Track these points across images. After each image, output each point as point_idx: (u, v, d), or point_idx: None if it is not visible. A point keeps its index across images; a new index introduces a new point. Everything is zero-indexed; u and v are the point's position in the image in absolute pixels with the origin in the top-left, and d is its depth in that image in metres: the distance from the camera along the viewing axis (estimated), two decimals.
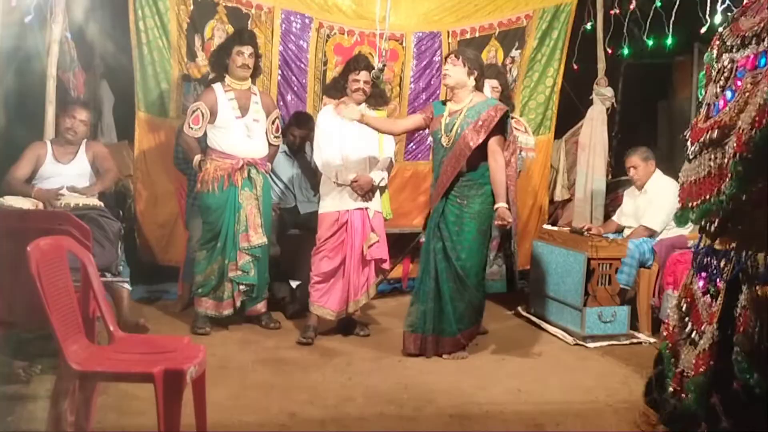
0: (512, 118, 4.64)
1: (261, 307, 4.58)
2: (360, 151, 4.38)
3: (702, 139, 2.41)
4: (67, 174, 4.34)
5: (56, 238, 2.63)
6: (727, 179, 2.19)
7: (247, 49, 4.40)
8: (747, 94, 2.16)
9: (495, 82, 4.63)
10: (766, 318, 2.03)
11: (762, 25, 2.25)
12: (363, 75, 4.34)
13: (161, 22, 4.97)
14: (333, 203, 4.38)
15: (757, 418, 2.06)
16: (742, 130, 2.10)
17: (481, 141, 3.93)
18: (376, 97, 4.51)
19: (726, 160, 2.21)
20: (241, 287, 4.43)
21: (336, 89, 4.49)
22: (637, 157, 5.03)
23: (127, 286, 4.09)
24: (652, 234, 4.88)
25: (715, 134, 2.30)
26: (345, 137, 4.36)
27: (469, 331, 4.12)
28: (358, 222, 4.36)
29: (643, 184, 5.03)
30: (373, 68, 4.38)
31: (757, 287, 2.08)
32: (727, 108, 2.30)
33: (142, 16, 4.91)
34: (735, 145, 2.15)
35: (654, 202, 4.91)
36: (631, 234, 4.92)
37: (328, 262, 4.36)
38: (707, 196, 2.33)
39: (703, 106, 2.58)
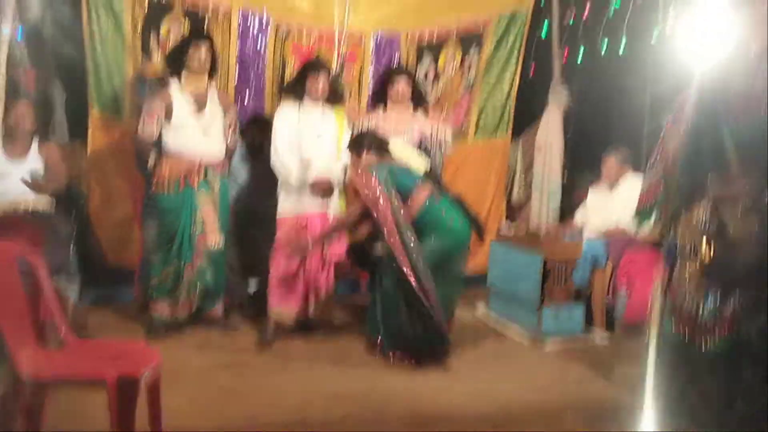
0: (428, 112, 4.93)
1: (218, 309, 4.53)
2: (318, 151, 4.36)
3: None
4: (17, 173, 4.23)
5: (5, 243, 2.56)
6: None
7: (205, 44, 4.35)
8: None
9: (404, 77, 4.75)
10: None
11: None
12: (322, 78, 4.34)
13: (116, 19, 4.86)
14: (291, 207, 4.36)
15: None
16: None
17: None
18: (334, 95, 4.51)
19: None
20: (198, 289, 4.38)
21: (293, 91, 4.47)
22: (614, 159, 5.11)
23: (72, 295, 3.98)
24: (626, 235, 4.94)
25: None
26: (303, 138, 4.34)
27: None
28: (318, 225, 4.34)
29: (615, 183, 5.11)
30: (330, 70, 4.40)
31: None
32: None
33: (96, 14, 4.80)
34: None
35: (627, 202, 4.96)
36: (608, 233, 4.97)
37: (286, 265, 4.33)
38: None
39: None
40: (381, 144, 4.24)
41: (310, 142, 4.36)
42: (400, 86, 4.72)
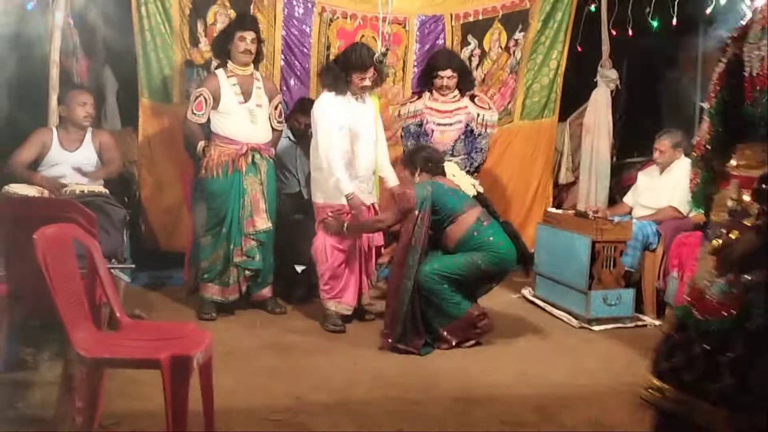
0: (475, 96, 4.89)
1: (266, 292, 4.60)
2: (362, 143, 4.34)
3: None
4: (73, 161, 4.35)
5: (62, 225, 2.64)
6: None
7: (249, 35, 4.38)
8: None
9: (448, 72, 4.73)
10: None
11: None
12: (369, 73, 4.27)
13: (163, 7, 4.95)
14: (330, 194, 4.28)
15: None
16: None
17: None
18: (376, 82, 4.46)
19: None
20: (247, 272, 4.45)
21: (338, 83, 4.29)
22: (668, 142, 4.96)
23: (124, 277, 4.08)
24: (679, 216, 4.84)
25: None
26: (347, 130, 4.28)
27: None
28: (365, 215, 4.31)
29: (666, 166, 5.00)
30: (376, 53, 4.35)
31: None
32: None
33: (144, 2, 4.89)
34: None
35: (681, 185, 4.86)
36: (657, 214, 4.88)
37: (339, 256, 4.28)
38: None
39: None
40: (436, 164, 4.21)
41: (352, 134, 4.30)
42: (445, 81, 4.74)
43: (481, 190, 4.27)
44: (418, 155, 4.24)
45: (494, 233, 4.00)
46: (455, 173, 4.29)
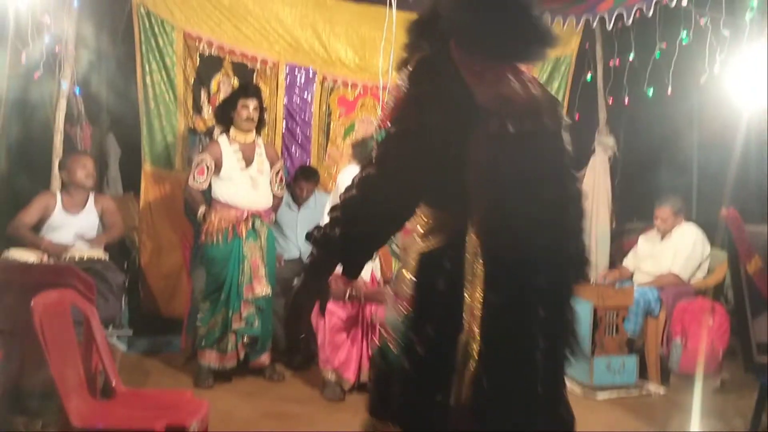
0: None
1: (265, 359, 4.53)
2: None
3: None
4: (75, 225, 4.37)
5: (60, 291, 2.63)
6: None
7: (252, 102, 4.46)
8: None
9: None
10: None
11: None
12: None
13: (168, 76, 5.06)
14: None
15: None
16: None
17: None
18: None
19: None
20: (245, 339, 4.40)
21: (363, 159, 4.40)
22: (669, 209, 4.98)
23: (121, 346, 4.03)
24: (679, 283, 4.83)
25: None
26: None
27: None
28: (367, 286, 4.26)
29: (668, 232, 5.01)
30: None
31: None
32: None
33: (149, 71, 5.01)
34: None
35: (682, 251, 4.86)
36: (658, 280, 4.87)
37: (337, 323, 4.19)
38: None
39: None
40: None
41: None
42: None
43: None
44: None
45: None
46: None
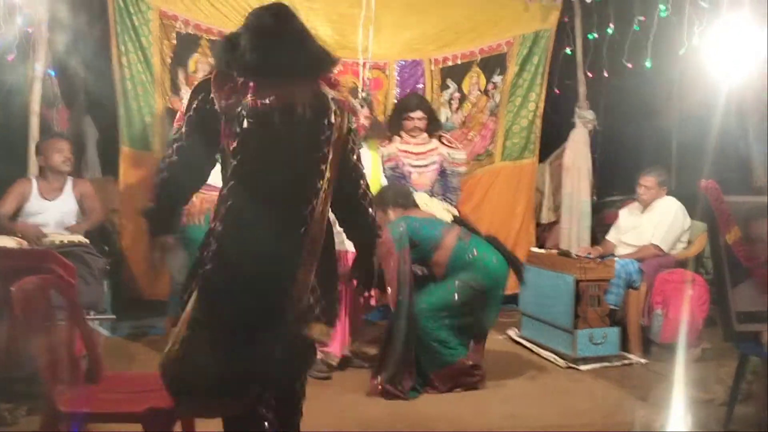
0: (442, 136, 4.95)
1: None
2: None
3: None
4: (53, 211, 4.32)
5: (40, 277, 2.59)
6: None
7: None
8: None
9: (419, 113, 4.78)
10: None
11: None
12: (363, 112, 4.34)
13: (144, 56, 4.98)
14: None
15: None
16: None
17: None
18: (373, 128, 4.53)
19: None
20: None
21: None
22: (654, 179, 5.02)
23: (104, 331, 4.01)
24: (660, 254, 4.87)
25: None
26: None
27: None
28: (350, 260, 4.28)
29: (649, 204, 5.05)
30: (358, 98, 4.40)
31: None
32: None
33: (125, 51, 4.92)
34: None
35: (663, 222, 4.91)
36: (639, 252, 4.91)
37: None
38: None
39: None
40: (405, 197, 4.24)
41: None
42: (415, 122, 4.78)
43: (455, 213, 4.29)
44: (386, 194, 4.25)
45: (478, 247, 3.99)
46: (426, 202, 4.31)
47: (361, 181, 2.48)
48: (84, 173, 5.42)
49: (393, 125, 4.95)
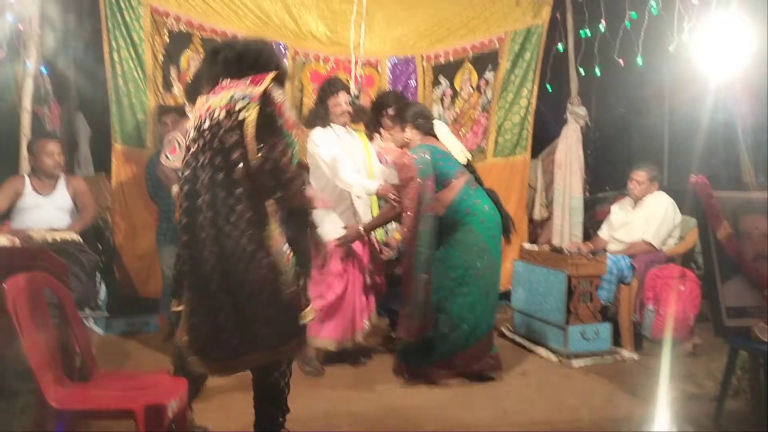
0: None
1: None
2: (357, 172, 4.27)
3: None
4: (47, 206, 4.31)
5: (33, 274, 2.60)
6: None
7: None
8: None
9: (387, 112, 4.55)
10: None
11: None
12: (342, 96, 4.25)
13: (136, 53, 4.97)
14: (333, 229, 4.16)
15: None
16: None
17: None
18: (357, 113, 4.45)
19: None
20: None
21: (318, 117, 4.28)
22: (646, 174, 5.04)
23: (97, 329, 4.00)
24: (651, 250, 4.89)
25: None
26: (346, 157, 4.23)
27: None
28: (360, 247, 4.26)
29: (640, 199, 5.07)
30: (349, 92, 4.37)
31: None
32: None
33: (116, 48, 4.90)
34: None
35: (653, 218, 4.93)
36: (630, 248, 4.94)
37: (330, 291, 4.13)
38: None
39: None
40: (426, 120, 4.13)
41: (350, 162, 4.22)
42: (385, 119, 4.56)
43: (470, 157, 4.29)
44: (408, 110, 4.14)
45: (481, 198, 4.02)
46: (446, 136, 4.22)
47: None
48: (77, 170, 5.41)
49: (371, 124, 4.80)
